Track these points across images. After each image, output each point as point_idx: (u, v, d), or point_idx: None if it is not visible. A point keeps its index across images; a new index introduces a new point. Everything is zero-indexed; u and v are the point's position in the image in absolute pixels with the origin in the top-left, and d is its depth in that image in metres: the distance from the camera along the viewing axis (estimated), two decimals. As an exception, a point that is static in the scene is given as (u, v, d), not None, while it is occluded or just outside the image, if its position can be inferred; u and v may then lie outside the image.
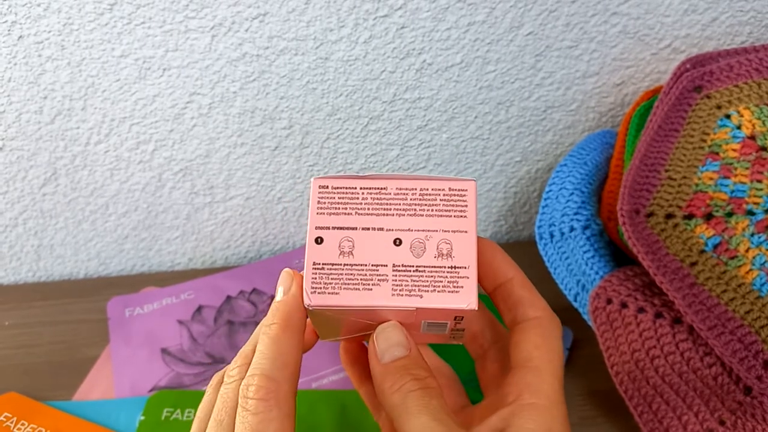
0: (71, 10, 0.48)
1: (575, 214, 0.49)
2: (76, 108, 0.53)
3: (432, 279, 0.26)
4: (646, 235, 0.43)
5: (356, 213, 0.28)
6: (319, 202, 0.28)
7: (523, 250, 0.62)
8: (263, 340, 0.26)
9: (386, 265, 0.27)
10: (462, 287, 0.26)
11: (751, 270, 0.40)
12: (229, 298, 0.57)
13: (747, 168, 0.44)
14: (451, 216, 0.27)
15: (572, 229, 0.48)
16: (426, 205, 0.27)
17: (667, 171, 0.46)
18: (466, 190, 0.27)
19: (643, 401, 0.41)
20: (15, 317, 0.57)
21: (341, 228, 0.27)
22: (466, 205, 0.27)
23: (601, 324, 0.44)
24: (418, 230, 0.27)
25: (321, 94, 0.54)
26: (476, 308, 0.25)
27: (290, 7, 0.49)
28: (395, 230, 0.27)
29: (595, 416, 0.46)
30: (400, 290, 0.26)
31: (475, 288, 0.26)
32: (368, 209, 0.28)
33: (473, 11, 0.51)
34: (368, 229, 0.27)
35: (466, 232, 0.27)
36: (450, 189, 0.27)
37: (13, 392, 0.48)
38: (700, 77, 0.48)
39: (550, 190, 0.52)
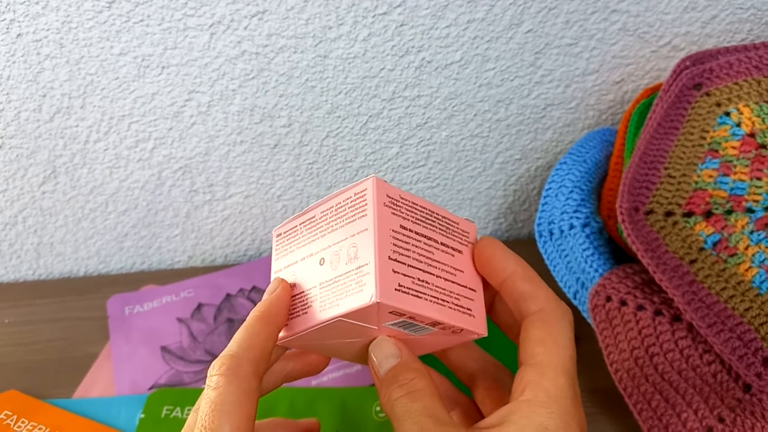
0: (70, 8, 0.48)
1: (575, 211, 0.49)
2: (75, 106, 0.53)
3: (345, 285, 0.26)
4: (646, 233, 0.43)
5: (297, 248, 0.29)
6: (276, 250, 0.31)
7: (522, 247, 0.62)
8: (239, 329, 0.27)
9: (315, 286, 0.28)
10: (365, 284, 0.25)
11: (750, 267, 0.40)
12: (228, 296, 0.57)
13: (746, 166, 0.44)
14: (356, 219, 0.27)
15: (572, 226, 0.48)
16: (340, 218, 0.28)
17: (666, 169, 0.45)
18: (365, 189, 0.27)
19: (643, 399, 0.41)
20: (15, 315, 0.57)
21: (288, 266, 0.29)
22: (366, 205, 0.27)
23: (600, 322, 0.44)
24: (335, 244, 0.28)
25: (320, 91, 0.54)
26: (379, 301, 0.25)
27: (289, 4, 0.49)
28: (319, 251, 0.28)
29: (594, 414, 0.46)
30: (324, 305, 0.27)
31: (379, 280, 0.25)
32: (303, 241, 0.29)
33: (472, 8, 0.51)
34: (303, 258, 0.29)
35: (366, 230, 0.27)
36: (354, 194, 0.28)
37: (13, 390, 0.48)
38: (700, 75, 0.48)
39: (550, 188, 0.52)
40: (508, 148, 0.60)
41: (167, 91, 0.53)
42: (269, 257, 0.62)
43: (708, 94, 0.48)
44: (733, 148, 0.45)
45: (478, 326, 0.28)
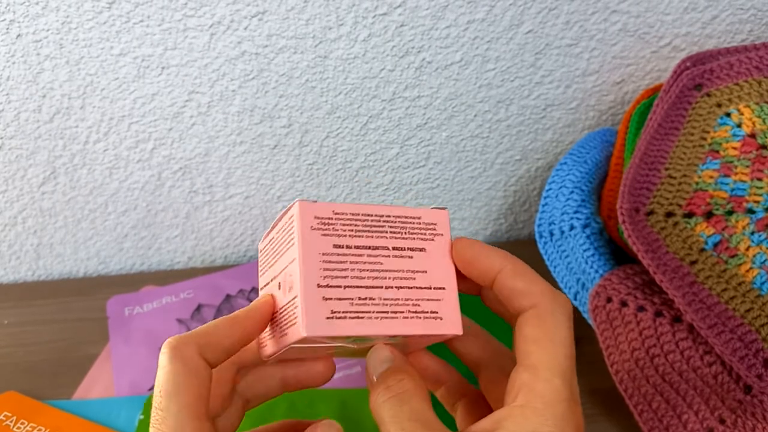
0: (70, 9, 0.48)
1: (575, 212, 0.49)
2: (74, 107, 0.53)
3: (289, 315, 0.26)
4: (646, 234, 0.43)
5: (268, 267, 0.29)
6: (259, 265, 0.31)
7: (523, 248, 0.62)
8: None
9: (278, 310, 0.28)
10: (297, 317, 0.25)
11: (751, 268, 0.40)
12: (228, 296, 0.57)
13: (747, 166, 0.44)
14: (288, 248, 0.27)
15: (572, 227, 0.48)
16: (281, 244, 0.28)
17: (667, 169, 0.45)
18: (292, 216, 0.27)
19: (643, 400, 0.41)
20: (14, 316, 0.57)
21: (266, 284, 0.30)
22: (293, 232, 0.26)
23: (600, 322, 0.44)
24: (280, 272, 0.28)
25: (320, 92, 0.54)
26: (305, 335, 0.25)
27: (289, 5, 0.49)
28: (276, 275, 0.28)
29: (595, 415, 0.46)
30: (283, 330, 0.27)
31: (305, 313, 0.25)
32: (270, 261, 0.29)
33: (473, 9, 0.51)
34: (272, 278, 0.29)
35: (294, 259, 0.26)
36: (287, 221, 0.28)
37: (13, 391, 0.48)
38: (701, 75, 0.48)
39: (550, 189, 0.52)
40: (509, 148, 0.60)
41: (167, 92, 0.53)
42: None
43: (708, 95, 0.48)
44: (734, 148, 0.45)
45: (448, 327, 0.27)
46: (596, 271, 0.46)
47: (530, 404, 0.24)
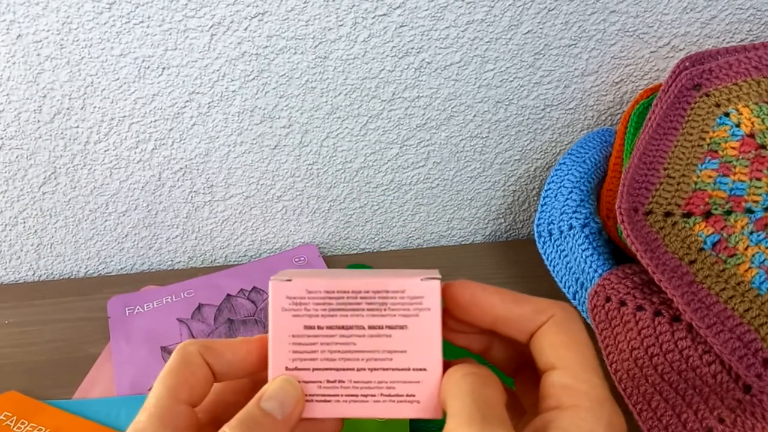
0: (70, 9, 0.48)
1: (574, 212, 0.49)
2: (75, 107, 0.53)
3: None
4: (645, 233, 0.43)
5: None
6: None
7: (522, 248, 0.62)
8: None
9: None
10: None
11: (750, 268, 0.40)
12: (229, 296, 0.57)
13: (746, 166, 0.44)
14: (268, 328, 0.28)
15: (571, 227, 0.48)
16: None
17: (666, 169, 0.46)
18: (268, 295, 0.27)
19: (642, 399, 0.41)
20: (15, 316, 0.57)
21: None
22: (269, 313, 0.27)
23: (599, 322, 0.44)
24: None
25: (320, 92, 0.54)
26: None
27: (289, 5, 0.49)
28: None
29: (594, 414, 0.46)
30: None
31: None
32: None
33: (472, 10, 0.51)
34: None
35: (268, 341, 0.27)
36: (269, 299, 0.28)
37: (13, 391, 0.48)
38: (699, 75, 0.48)
39: (549, 189, 0.52)
40: (508, 148, 0.60)
41: (167, 92, 0.53)
42: (269, 258, 0.62)
43: (707, 95, 0.48)
44: (733, 148, 0.45)
45: (424, 412, 0.25)
46: (595, 271, 0.46)
47: (581, 404, 0.23)
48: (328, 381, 0.26)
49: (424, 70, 0.54)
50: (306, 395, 0.26)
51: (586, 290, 0.46)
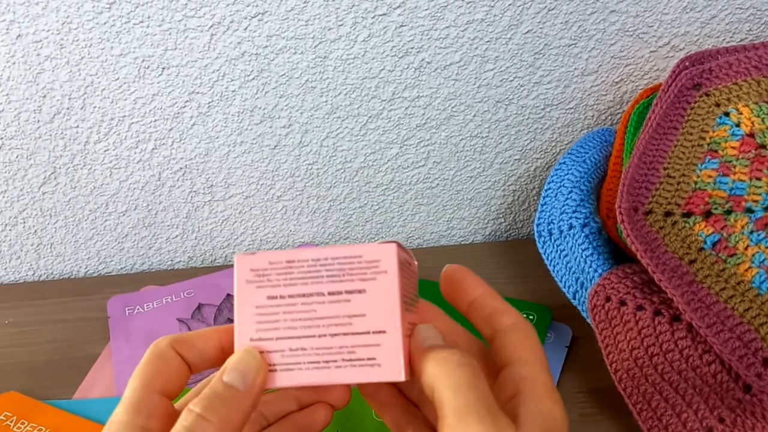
0: (70, 9, 0.48)
1: (574, 212, 0.49)
2: (75, 107, 0.53)
3: None
4: (645, 233, 0.43)
5: None
6: None
7: (522, 248, 0.62)
8: None
9: None
10: None
11: (750, 268, 0.40)
12: (229, 296, 0.57)
13: (746, 166, 0.44)
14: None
15: (571, 227, 0.49)
16: None
17: (665, 169, 0.46)
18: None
19: (643, 399, 0.41)
20: (15, 316, 0.57)
21: None
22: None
23: (599, 322, 0.44)
24: None
25: (320, 92, 0.54)
26: None
27: (289, 5, 0.49)
28: None
29: (594, 414, 0.46)
30: None
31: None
32: None
33: (472, 9, 0.51)
34: None
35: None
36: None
37: (13, 391, 0.48)
38: (699, 75, 0.48)
39: (549, 188, 0.52)
40: (508, 148, 0.60)
41: (167, 92, 0.53)
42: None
43: (707, 95, 0.48)
44: (733, 148, 0.45)
45: (385, 374, 0.25)
46: (595, 271, 0.46)
47: (539, 391, 0.26)
48: (291, 349, 0.26)
49: (424, 70, 0.54)
50: (270, 365, 0.26)
51: (586, 290, 0.46)
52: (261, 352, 0.26)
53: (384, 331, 0.26)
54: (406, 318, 0.26)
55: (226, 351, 0.28)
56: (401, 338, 0.25)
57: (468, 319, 0.30)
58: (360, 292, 0.26)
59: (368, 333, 0.26)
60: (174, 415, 0.26)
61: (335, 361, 0.26)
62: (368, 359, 0.25)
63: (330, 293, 0.26)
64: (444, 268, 0.30)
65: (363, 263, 0.26)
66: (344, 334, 0.26)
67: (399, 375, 0.25)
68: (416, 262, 0.31)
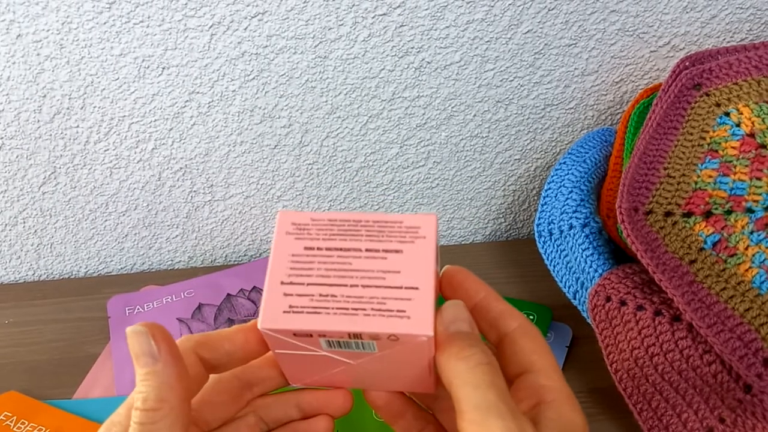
0: (70, 9, 0.48)
1: (574, 212, 0.49)
2: (75, 107, 0.53)
3: None
4: (645, 233, 0.43)
5: None
6: None
7: (522, 248, 0.62)
8: None
9: None
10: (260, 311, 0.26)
11: (750, 268, 0.40)
12: (229, 296, 0.57)
13: (746, 166, 0.44)
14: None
15: (571, 227, 0.49)
16: None
17: (666, 169, 0.46)
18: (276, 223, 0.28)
19: (643, 399, 0.41)
20: (15, 315, 0.57)
21: None
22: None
23: (600, 322, 0.44)
24: None
25: (320, 92, 0.54)
26: (260, 327, 0.26)
27: (289, 5, 0.49)
28: None
29: (595, 414, 0.46)
30: None
31: (264, 308, 0.26)
32: None
33: (472, 9, 0.51)
34: None
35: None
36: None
37: (13, 391, 0.48)
38: (699, 75, 0.48)
39: (549, 188, 0.52)
40: (508, 148, 0.60)
41: (167, 92, 0.53)
42: (269, 257, 0.62)
43: (707, 95, 0.48)
44: (733, 148, 0.45)
45: (414, 327, 0.25)
46: (595, 271, 0.46)
47: (558, 399, 0.26)
48: (321, 295, 0.26)
49: (424, 70, 0.54)
50: (297, 307, 0.26)
51: (586, 290, 0.46)
52: (290, 295, 0.26)
53: (417, 288, 0.26)
54: (438, 282, 0.27)
55: (252, 349, 0.28)
56: (434, 297, 0.26)
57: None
58: (397, 252, 0.27)
59: (401, 288, 0.26)
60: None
61: (364, 309, 0.26)
62: (398, 311, 0.26)
63: (368, 250, 0.27)
64: (443, 269, 0.30)
65: (403, 228, 0.27)
66: (377, 286, 0.26)
67: (428, 329, 0.25)
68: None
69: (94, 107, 0.53)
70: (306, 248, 0.27)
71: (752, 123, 0.45)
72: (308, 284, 0.26)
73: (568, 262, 0.48)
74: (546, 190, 0.52)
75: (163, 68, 0.51)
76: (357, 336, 0.26)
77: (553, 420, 0.25)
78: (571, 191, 0.50)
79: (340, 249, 0.27)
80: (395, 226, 0.27)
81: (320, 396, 0.31)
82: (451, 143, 0.59)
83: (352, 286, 0.26)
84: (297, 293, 0.26)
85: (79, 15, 0.48)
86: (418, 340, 0.26)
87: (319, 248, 0.27)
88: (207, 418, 0.28)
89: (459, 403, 0.24)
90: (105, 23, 0.49)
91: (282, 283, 0.26)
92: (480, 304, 0.29)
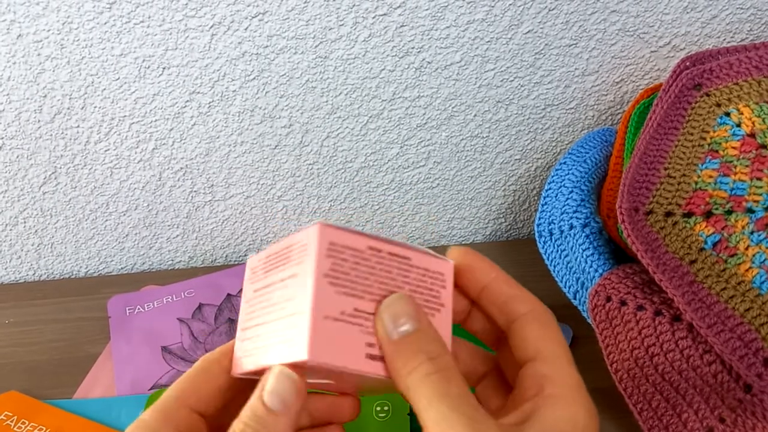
0: (70, 9, 0.48)
1: (575, 212, 0.49)
2: (75, 107, 0.53)
3: None
4: (646, 233, 0.43)
5: None
6: None
7: (522, 248, 0.62)
8: None
9: None
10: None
11: (750, 268, 0.40)
12: (229, 296, 0.57)
13: (747, 166, 0.44)
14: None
15: (572, 227, 0.49)
16: None
17: (666, 169, 0.46)
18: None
19: (643, 399, 0.41)
20: (16, 315, 0.57)
21: None
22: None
23: (600, 322, 0.44)
24: None
25: (320, 92, 0.54)
26: (232, 374, 0.27)
27: (290, 5, 0.49)
28: None
29: (594, 414, 0.46)
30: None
31: (234, 354, 0.28)
32: None
33: (472, 9, 0.51)
34: None
35: None
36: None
37: (13, 391, 0.48)
38: (700, 75, 0.48)
39: (550, 188, 0.52)
40: (508, 148, 0.60)
41: (168, 92, 0.53)
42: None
43: (708, 95, 0.48)
44: (734, 148, 0.45)
45: (293, 353, 0.24)
46: (596, 271, 0.46)
47: (561, 392, 0.24)
48: (257, 336, 0.27)
49: (424, 70, 0.54)
50: (239, 355, 0.27)
51: (586, 290, 0.46)
52: (242, 340, 0.27)
53: (298, 313, 0.25)
54: (334, 299, 0.25)
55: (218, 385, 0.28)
56: (308, 316, 0.24)
57: (479, 308, 0.28)
58: (292, 276, 0.26)
59: (293, 315, 0.25)
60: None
61: (267, 345, 0.26)
62: (286, 340, 0.25)
63: (281, 280, 0.26)
64: (449, 250, 0.28)
65: (296, 248, 0.26)
66: (280, 318, 0.26)
67: (302, 353, 0.24)
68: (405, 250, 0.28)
69: (95, 107, 0.53)
70: (254, 291, 0.28)
71: (753, 123, 0.45)
72: (254, 326, 0.27)
73: (568, 262, 0.48)
74: (546, 190, 0.52)
75: (164, 68, 0.51)
76: (254, 371, 0.26)
77: (543, 418, 0.24)
78: (572, 191, 0.50)
79: (268, 285, 0.27)
80: (294, 247, 0.26)
81: (329, 402, 0.30)
82: (451, 143, 0.59)
83: (270, 322, 0.26)
84: (242, 339, 0.28)
85: (79, 15, 0.48)
86: (294, 360, 0.24)
87: (257, 289, 0.28)
88: (223, 422, 0.27)
89: (420, 420, 0.23)
90: (105, 23, 0.49)
91: (242, 329, 0.28)
92: (489, 287, 0.27)
